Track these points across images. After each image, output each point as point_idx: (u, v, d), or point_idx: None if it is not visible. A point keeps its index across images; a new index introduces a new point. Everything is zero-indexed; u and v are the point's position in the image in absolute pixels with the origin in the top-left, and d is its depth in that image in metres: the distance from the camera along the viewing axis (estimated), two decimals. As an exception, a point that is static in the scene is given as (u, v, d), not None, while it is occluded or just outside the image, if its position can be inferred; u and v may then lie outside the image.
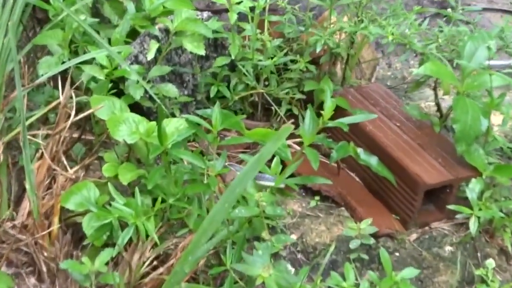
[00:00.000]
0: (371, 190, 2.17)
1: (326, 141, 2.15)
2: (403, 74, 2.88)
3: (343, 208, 2.12)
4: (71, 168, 1.92)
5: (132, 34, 2.24)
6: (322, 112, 1.72)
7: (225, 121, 1.82)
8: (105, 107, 1.90)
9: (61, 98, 1.92)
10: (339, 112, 2.22)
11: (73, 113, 1.89)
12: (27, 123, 1.90)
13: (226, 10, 2.64)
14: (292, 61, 2.34)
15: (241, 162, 2.33)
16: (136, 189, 1.74)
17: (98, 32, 2.21)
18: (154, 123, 1.85)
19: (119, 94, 2.13)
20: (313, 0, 2.22)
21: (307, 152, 1.74)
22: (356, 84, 2.46)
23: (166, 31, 2.24)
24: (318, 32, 2.21)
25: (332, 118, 2.25)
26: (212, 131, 1.79)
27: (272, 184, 1.82)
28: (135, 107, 2.13)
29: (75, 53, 2.10)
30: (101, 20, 2.29)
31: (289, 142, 2.24)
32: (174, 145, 1.77)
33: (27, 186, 1.73)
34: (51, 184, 1.91)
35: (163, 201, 1.74)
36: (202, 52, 2.08)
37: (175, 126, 1.87)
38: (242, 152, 2.36)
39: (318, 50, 2.15)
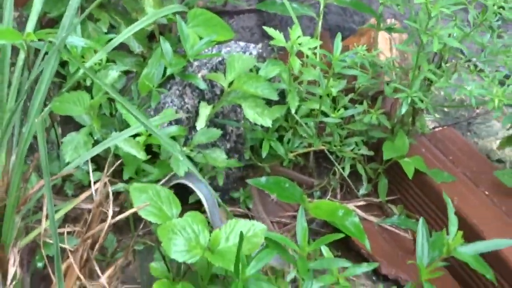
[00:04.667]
0: (461, 282, 1.82)
1: (410, 223, 1.80)
2: (460, 97, 2.48)
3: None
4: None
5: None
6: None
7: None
8: (150, 205, 1.48)
9: (93, 190, 1.49)
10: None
11: (110, 212, 1.47)
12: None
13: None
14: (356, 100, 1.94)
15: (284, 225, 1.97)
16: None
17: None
18: (219, 232, 1.45)
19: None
20: (409, 22, 1.73)
21: (426, 290, 1.36)
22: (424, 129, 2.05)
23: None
24: (397, 86, 1.79)
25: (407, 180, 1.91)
26: (300, 254, 1.40)
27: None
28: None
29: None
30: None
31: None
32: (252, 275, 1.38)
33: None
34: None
35: None
36: (268, 124, 1.64)
37: (244, 236, 1.47)
38: (294, 217, 1.98)
39: (403, 111, 1.74)
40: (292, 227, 1.92)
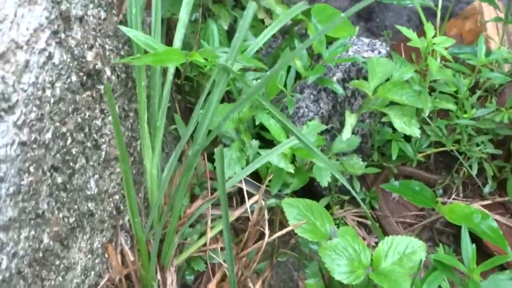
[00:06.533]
0: None
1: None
2: None
3: None
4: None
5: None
6: None
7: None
8: (306, 222, 1.46)
9: (248, 207, 1.47)
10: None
11: (267, 231, 1.45)
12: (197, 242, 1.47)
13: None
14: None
15: (410, 225, 1.93)
16: None
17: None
18: (380, 251, 1.42)
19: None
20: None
21: None
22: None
23: (343, 80, 1.74)
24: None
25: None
26: (469, 276, 1.37)
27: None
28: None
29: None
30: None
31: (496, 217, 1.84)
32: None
33: None
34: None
35: None
36: (416, 134, 1.59)
37: (404, 253, 1.44)
38: (416, 216, 1.95)
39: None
40: (417, 228, 1.90)
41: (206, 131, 1.30)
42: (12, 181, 0.97)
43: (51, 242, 1.09)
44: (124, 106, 1.44)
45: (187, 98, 1.75)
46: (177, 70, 1.67)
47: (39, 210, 1.05)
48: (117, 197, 1.41)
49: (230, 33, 1.78)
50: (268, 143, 1.62)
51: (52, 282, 1.11)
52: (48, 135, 1.07)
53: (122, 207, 1.43)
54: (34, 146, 1.03)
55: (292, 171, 1.51)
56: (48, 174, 1.08)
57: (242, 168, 1.48)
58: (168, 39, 1.64)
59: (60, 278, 1.13)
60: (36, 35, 1.02)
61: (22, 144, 0.99)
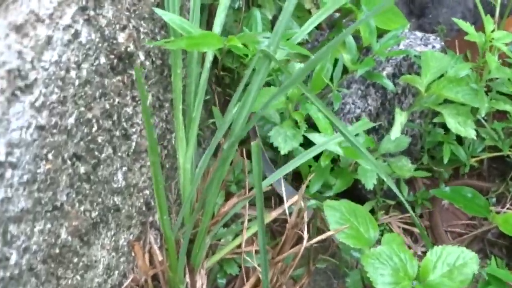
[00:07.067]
0: None
1: None
2: None
3: None
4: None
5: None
6: None
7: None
8: (348, 226, 1.34)
9: (286, 208, 1.36)
10: None
11: (305, 235, 1.34)
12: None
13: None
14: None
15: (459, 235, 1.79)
16: None
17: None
18: (429, 260, 1.30)
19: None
20: None
21: None
22: None
23: (393, 76, 1.62)
24: None
25: None
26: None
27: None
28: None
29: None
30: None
31: None
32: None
33: None
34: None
35: None
36: (472, 135, 1.46)
37: (454, 265, 1.31)
38: (466, 225, 1.82)
39: None
40: (467, 238, 1.76)
41: (244, 122, 1.20)
42: (27, 168, 0.88)
43: (69, 238, 1.00)
44: (159, 95, 1.34)
45: (227, 90, 1.65)
46: (217, 60, 1.57)
47: (57, 201, 0.96)
48: (147, 192, 1.32)
49: (274, 25, 1.68)
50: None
51: (69, 281, 1.02)
52: (71, 120, 0.98)
53: (152, 203, 1.34)
54: (54, 131, 0.94)
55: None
56: (69, 162, 0.99)
57: (300, 144, 1.38)
58: (209, 28, 1.54)
59: (78, 277, 1.04)
60: (61, 9, 0.93)
61: (40, 128, 0.90)
